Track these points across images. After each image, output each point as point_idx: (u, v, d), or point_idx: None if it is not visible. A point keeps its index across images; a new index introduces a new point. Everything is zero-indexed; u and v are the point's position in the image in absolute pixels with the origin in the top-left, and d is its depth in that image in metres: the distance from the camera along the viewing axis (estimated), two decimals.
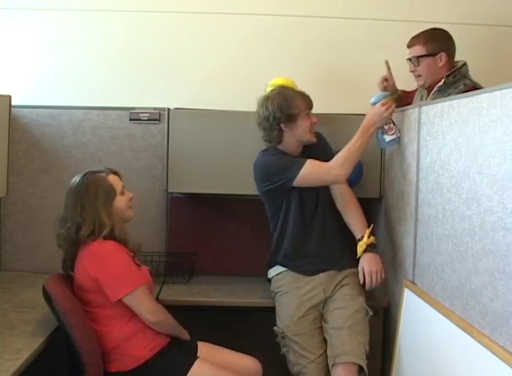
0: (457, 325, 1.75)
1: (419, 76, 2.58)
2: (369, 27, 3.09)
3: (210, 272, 2.83)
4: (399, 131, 2.40)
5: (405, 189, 2.37)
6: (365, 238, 2.35)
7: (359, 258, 2.36)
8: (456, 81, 2.47)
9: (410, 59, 2.57)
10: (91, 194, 2.07)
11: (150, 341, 2.08)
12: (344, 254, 2.45)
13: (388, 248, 2.54)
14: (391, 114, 2.36)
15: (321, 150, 2.47)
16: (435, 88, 2.52)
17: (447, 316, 1.84)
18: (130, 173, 2.86)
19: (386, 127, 2.40)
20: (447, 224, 1.89)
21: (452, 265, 1.84)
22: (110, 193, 2.11)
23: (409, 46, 2.58)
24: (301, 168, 2.34)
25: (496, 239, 1.55)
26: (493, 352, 1.52)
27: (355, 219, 2.43)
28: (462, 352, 1.73)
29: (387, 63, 2.68)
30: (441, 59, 2.50)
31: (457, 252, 1.81)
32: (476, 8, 3.09)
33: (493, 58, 3.09)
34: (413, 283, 2.22)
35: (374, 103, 2.39)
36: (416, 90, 2.77)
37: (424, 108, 2.17)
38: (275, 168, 2.40)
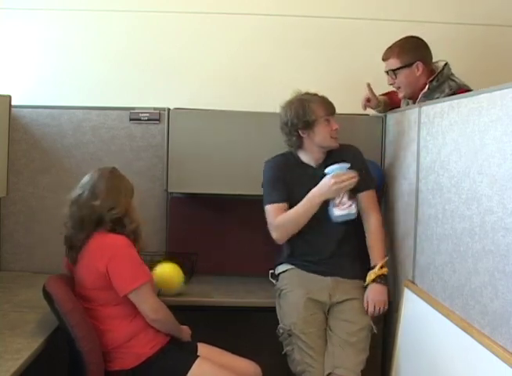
0: (457, 325, 1.75)
1: (398, 88, 2.56)
2: (369, 27, 3.09)
3: (210, 273, 2.83)
4: (355, 207, 2.33)
5: (405, 189, 2.37)
6: (376, 268, 2.35)
7: (367, 285, 2.36)
8: (439, 84, 2.44)
9: (387, 72, 2.56)
10: (125, 185, 2.17)
11: (151, 338, 2.08)
12: (354, 263, 2.44)
13: (388, 248, 2.53)
14: (342, 189, 2.28)
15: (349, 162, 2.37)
16: (420, 95, 2.50)
17: (447, 316, 1.84)
18: (130, 173, 2.83)
19: (337, 200, 2.32)
20: (447, 224, 1.89)
21: (452, 265, 1.84)
22: (131, 193, 2.20)
23: (384, 59, 2.57)
24: (269, 202, 2.39)
25: (496, 239, 1.55)
26: (493, 352, 1.52)
27: (372, 247, 2.42)
28: (462, 352, 1.73)
29: (368, 85, 2.67)
30: (418, 68, 2.47)
31: (457, 252, 1.81)
32: (475, 8, 3.09)
33: (492, 58, 3.09)
34: (413, 283, 2.22)
35: (328, 174, 2.29)
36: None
37: (424, 108, 2.18)
38: (263, 184, 2.47)
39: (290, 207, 2.39)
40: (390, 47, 2.55)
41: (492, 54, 3.10)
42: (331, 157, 2.43)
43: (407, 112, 2.39)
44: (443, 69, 2.46)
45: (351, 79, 3.08)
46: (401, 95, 2.59)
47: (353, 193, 2.34)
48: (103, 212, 2.07)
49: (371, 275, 2.35)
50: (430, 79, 2.45)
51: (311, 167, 2.44)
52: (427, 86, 2.46)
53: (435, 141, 2.03)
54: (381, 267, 2.35)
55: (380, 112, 2.79)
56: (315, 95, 2.42)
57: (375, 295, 2.34)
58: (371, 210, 2.44)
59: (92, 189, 2.10)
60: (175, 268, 2.50)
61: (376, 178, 2.52)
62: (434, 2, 3.11)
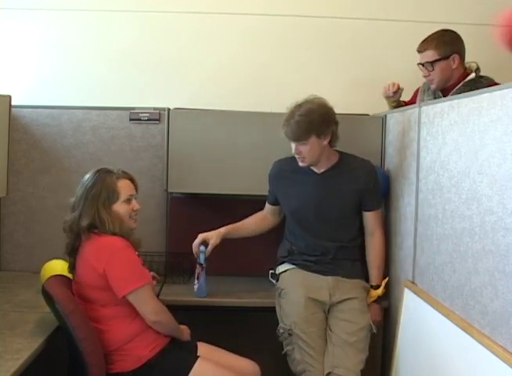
0: (457, 325, 1.75)
1: (432, 80, 2.57)
2: (369, 27, 3.09)
3: (211, 273, 2.83)
4: (196, 289, 2.53)
5: (405, 189, 2.37)
6: (379, 290, 2.41)
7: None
8: (475, 82, 2.48)
9: (422, 64, 2.56)
10: (95, 192, 2.08)
11: (152, 341, 2.07)
12: (354, 263, 2.46)
13: (388, 248, 2.53)
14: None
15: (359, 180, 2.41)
16: (461, 84, 2.52)
17: (447, 316, 1.84)
18: (130, 173, 2.86)
19: (197, 271, 2.54)
20: (447, 224, 1.89)
21: (452, 265, 1.84)
22: (113, 196, 2.10)
23: (420, 51, 2.57)
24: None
25: (496, 239, 1.55)
26: (493, 352, 1.52)
27: (373, 265, 2.47)
28: (462, 352, 1.73)
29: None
30: (454, 61, 2.51)
31: (457, 252, 1.81)
32: (475, 8, 3.09)
33: (492, 58, 3.08)
34: (413, 283, 2.22)
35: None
36: (415, 96, 2.77)
37: (424, 108, 2.18)
38: None
39: (289, 208, 2.48)
40: (426, 39, 2.56)
41: (492, 54, 3.09)
42: (339, 167, 2.43)
43: (407, 112, 2.39)
44: (477, 69, 2.53)
45: (351, 79, 3.09)
46: (433, 87, 2.61)
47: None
48: (77, 222, 2.07)
49: (374, 296, 2.41)
50: (468, 79, 2.49)
51: (315, 173, 2.43)
52: (473, 74, 2.50)
53: (435, 141, 2.03)
54: (383, 289, 2.42)
55: (392, 106, 2.78)
56: (301, 113, 2.29)
57: (375, 316, 2.41)
58: (375, 230, 2.47)
59: (75, 200, 2.11)
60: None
61: (381, 184, 2.52)
62: (435, 2, 3.11)
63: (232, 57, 3.09)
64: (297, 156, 2.37)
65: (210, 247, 2.49)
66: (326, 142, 2.34)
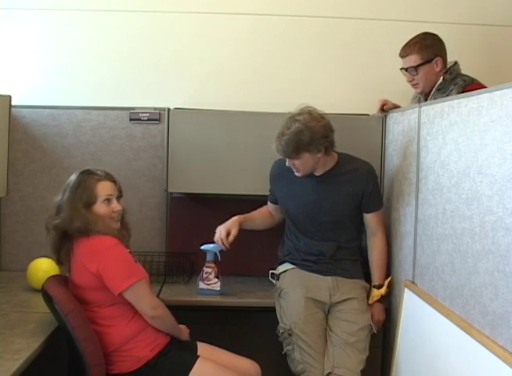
0: (457, 325, 1.75)
1: (416, 84, 2.58)
2: (370, 27, 3.08)
3: None
4: (219, 286, 2.56)
5: (405, 189, 2.37)
6: (383, 290, 2.42)
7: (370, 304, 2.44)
8: (453, 78, 2.50)
9: (406, 69, 2.55)
10: (78, 194, 2.08)
11: (151, 341, 2.07)
12: (354, 263, 2.46)
13: (388, 248, 2.53)
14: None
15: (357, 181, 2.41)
16: (434, 89, 2.53)
17: (447, 316, 1.84)
18: (130, 173, 2.87)
19: (204, 274, 2.57)
20: (447, 224, 1.89)
21: (452, 265, 1.84)
22: (91, 199, 2.09)
23: (402, 56, 2.56)
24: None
25: (496, 239, 1.55)
26: (493, 352, 1.52)
27: (375, 265, 2.47)
28: (462, 352, 1.73)
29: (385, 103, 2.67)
30: (437, 63, 2.51)
31: (457, 252, 1.81)
32: (475, 8, 3.09)
33: (493, 58, 3.09)
34: (413, 283, 2.22)
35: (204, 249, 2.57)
36: None
37: (424, 108, 2.18)
38: None
39: (286, 208, 2.50)
40: (408, 43, 2.55)
41: (492, 54, 3.10)
42: (337, 170, 2.41)
43: (407, 112, 2.39)
44: (454, 64, 2.52)
45: (351, 79, 3.08)
46: (418, 91, 2.62)
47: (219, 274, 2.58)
48: (66, 226, 2.07)
49: (378, 296, 2.42)
50: (444, 71, 2.50)
51: (313, 175, 2.41)
52: (441, 78, 2.49)
53: (435, 141, 2.03)
54: (385, 288, 2.43)
55: None
56: (289, 131, 2.26)
57: (379, 316, 2.43)
58: (377, 230, 2.47)
59: (59, 200, 2.12)
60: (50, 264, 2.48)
61: (379, 185, 2.52)
62: (435, 2, 3.10)
63: (232, 57, 3.09)
64: (291, 167, 2.37)
65: (231, 238, 2.46)
66: (320, 155, 2.32)
